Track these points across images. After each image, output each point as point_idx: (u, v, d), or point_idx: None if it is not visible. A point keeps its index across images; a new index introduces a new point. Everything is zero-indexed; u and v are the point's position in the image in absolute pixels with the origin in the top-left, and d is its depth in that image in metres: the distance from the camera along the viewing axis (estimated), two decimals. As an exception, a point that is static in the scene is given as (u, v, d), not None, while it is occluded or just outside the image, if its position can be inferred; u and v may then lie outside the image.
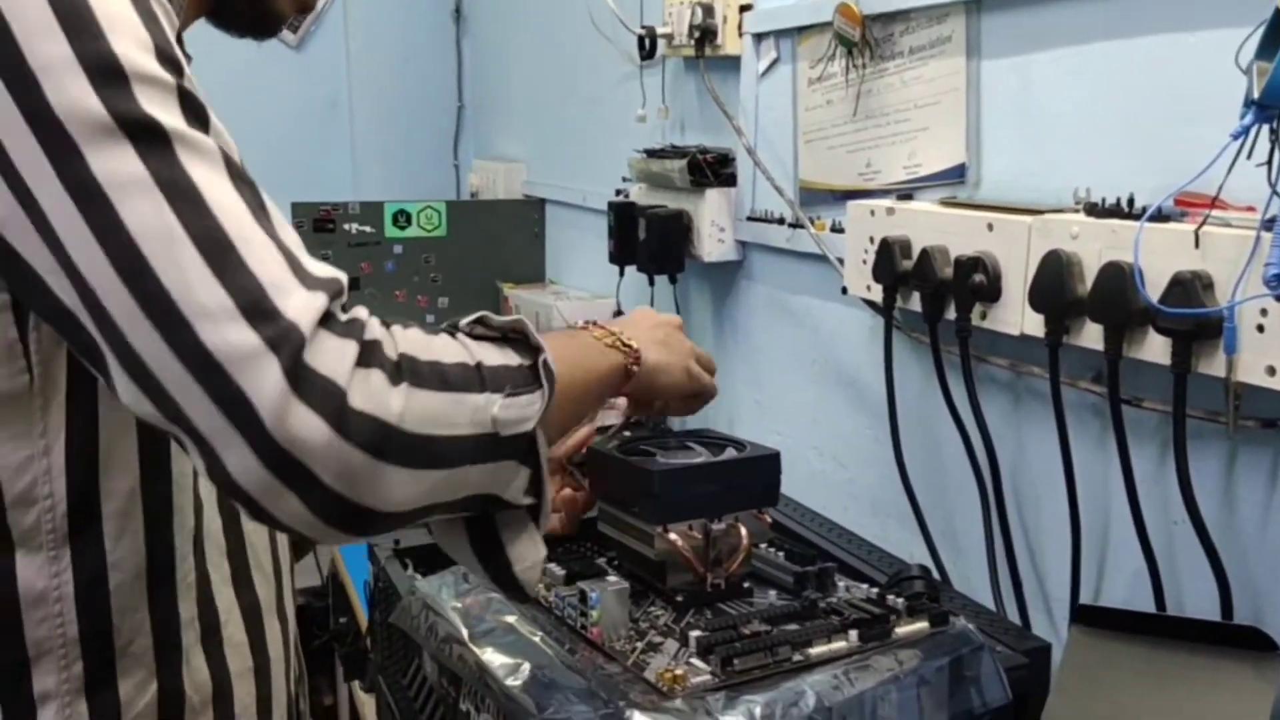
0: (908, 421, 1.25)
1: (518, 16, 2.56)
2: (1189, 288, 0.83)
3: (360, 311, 0.61)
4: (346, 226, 2.40)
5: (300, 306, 0.57)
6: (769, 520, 1.01)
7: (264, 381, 0.56)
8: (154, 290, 0.56)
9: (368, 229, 2.41)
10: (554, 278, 2.52)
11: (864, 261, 1.23)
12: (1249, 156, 0.78)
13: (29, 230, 0.57)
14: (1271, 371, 0.79)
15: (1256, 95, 0.76)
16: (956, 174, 1.19)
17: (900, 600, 0.93)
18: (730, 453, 0.99)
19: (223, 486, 0.58)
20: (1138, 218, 0.90)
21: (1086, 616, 0.92)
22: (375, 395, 0.58)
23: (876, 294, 1.21)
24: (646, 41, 1.74)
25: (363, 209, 2.41)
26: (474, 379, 0.63)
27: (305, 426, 0.56)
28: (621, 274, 1.85)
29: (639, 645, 0.88)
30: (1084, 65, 1.03)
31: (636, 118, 1.85)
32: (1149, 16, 0.96)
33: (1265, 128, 0.77)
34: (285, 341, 0.56)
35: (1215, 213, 0.85)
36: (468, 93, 2.95)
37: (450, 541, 0.73)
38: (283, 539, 0.86)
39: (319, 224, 2.38)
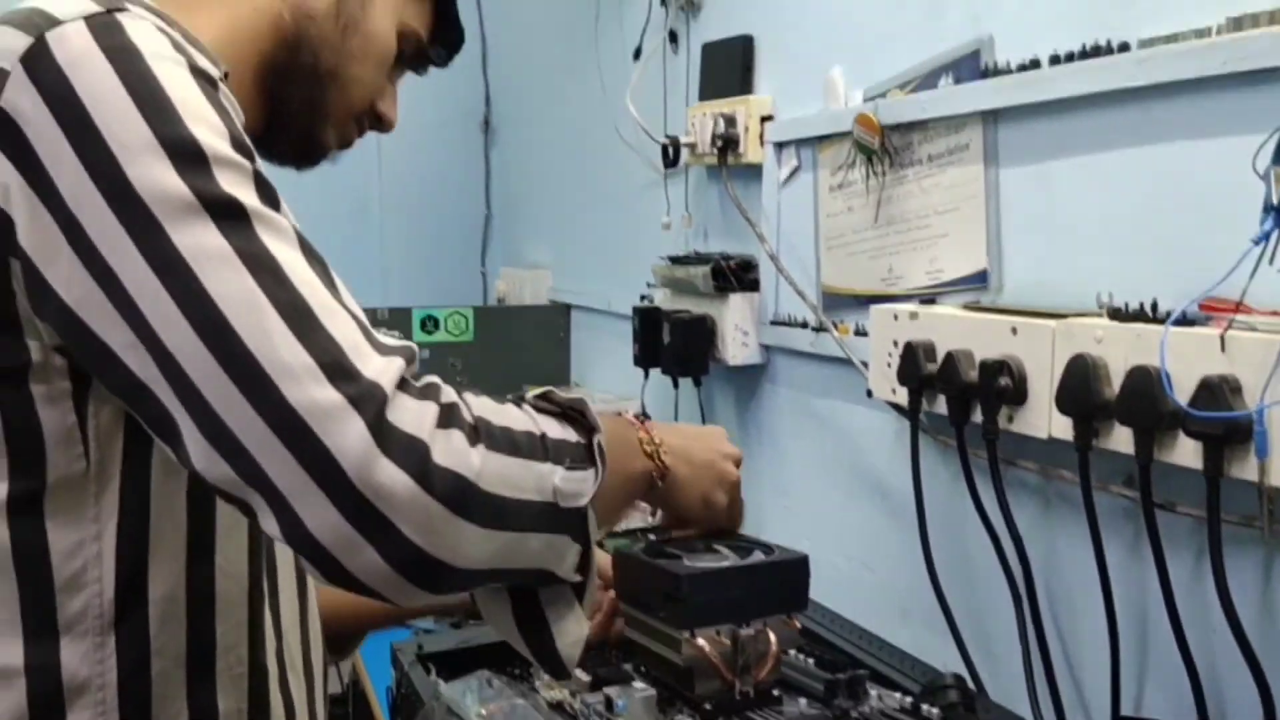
0: (936, 525, 1.24)
1: (545, 127, 2.63)
2: (1217, 391, 0.83)
3: (434, 378, 0.63)
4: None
5: (380, 368, 0.60)
6: (798, 625, 0.99)
7: (348, 436, 0.58)
8: (238, 351, 0.58)
9: (396, 334, 2.44)
10: (579, 381, 2.53)
11: (888, 365, 1.23)
12: (1271, 262, 0.79)
13: (106, 308, 0.60)
14: (1306, 475, 0.79)
15: (1276, 200, 0.77)
16: (978, 279, 1.20)
17: (935, 711, 0.90)
18: (758, 556, 0.98)
19: (299, 545, 0.59)
20: (1162, 322, 0.90)
21: (1127, 729, 0.90)
22: (456, 452, 0.60)
23: (901, 397, 1.21)
24: (670, 151, 1.79)
25: (391, 315, 2.45)
26: (539, 448, 0.66)
27: (389, 478, 0.58)
28: (646, 377, 1.86)
29: None
30: (1102, 172, 1.05)
31: (661, 225, 1.89)
32: (1165, 125, 0.98)
33: (1286, 233, 0.78)
34: (368, 400, 0.59)
35: (1240, 317, 0.85)
36: (495, 201, 3.02)
37: (494, 611, 0.74)
38: (319, 641, 0.86)
39: (348, 329, 2.41)
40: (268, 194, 0.63)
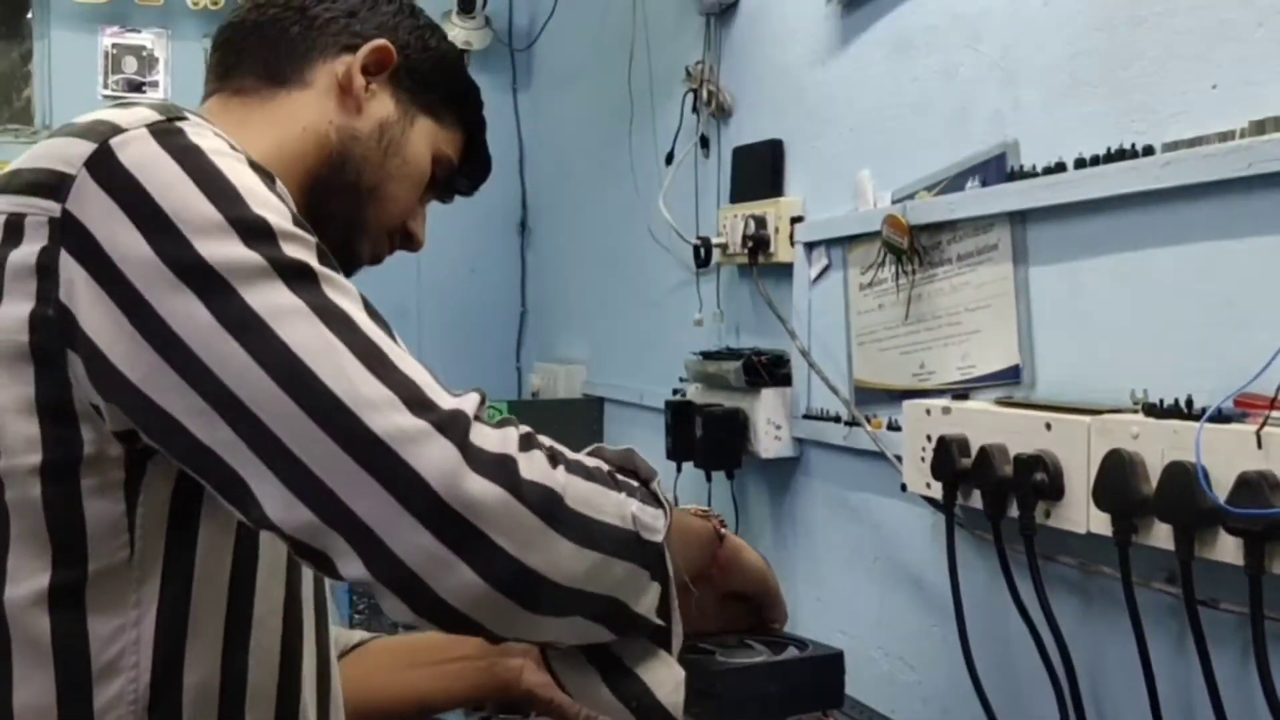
0: (975, 621, 1.23)
1: (580, 228, 2.70)
2: (1256, 488, 0.83)
3: (507, 415, 0.67)
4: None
5: (457, 402, 0.63)
6: None
7: (434, 456, 0.60)
8: (319, 391, 0.60)
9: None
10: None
11: (922, 459, 1.24)
12: (1302, 358, 0.80)
13: (171, 378, 0.62)
14: (1348, 572, 0.79)
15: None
16: (1011, 375, 1.22)
17: None
18: (792, 652, 0.97)
19: (387, 578, 0.60)
20: (1197, 418, 0.91)
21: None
22: (542, 469, 0.64)
23: (936, 491, 1.22)
24: (702, 251, 1.83)
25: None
26: (610, 480, 0.68)
27: (482, 490, 0.60)
28: (679, 470, 1.87)
29: None
30: (1133, 271, 1.07)
31: (694, 321, 1.92)
32: (1192, 225, 1.00)
33: (1316, 330, 0.80)
34: (452, 425, 0.61)
35: (1275, 413, 0.86)
36: (530, 298, 3.08)
37: (582, 684, 0.74)
38: None
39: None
40: (331, 262, 0.67)
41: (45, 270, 0.64)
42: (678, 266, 2.04)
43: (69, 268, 0.63)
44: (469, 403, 0.64)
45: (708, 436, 1.73)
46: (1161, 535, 0.94)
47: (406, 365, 0.64)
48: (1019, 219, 1.20)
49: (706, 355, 1.80)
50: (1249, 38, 0.95)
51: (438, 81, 0.92)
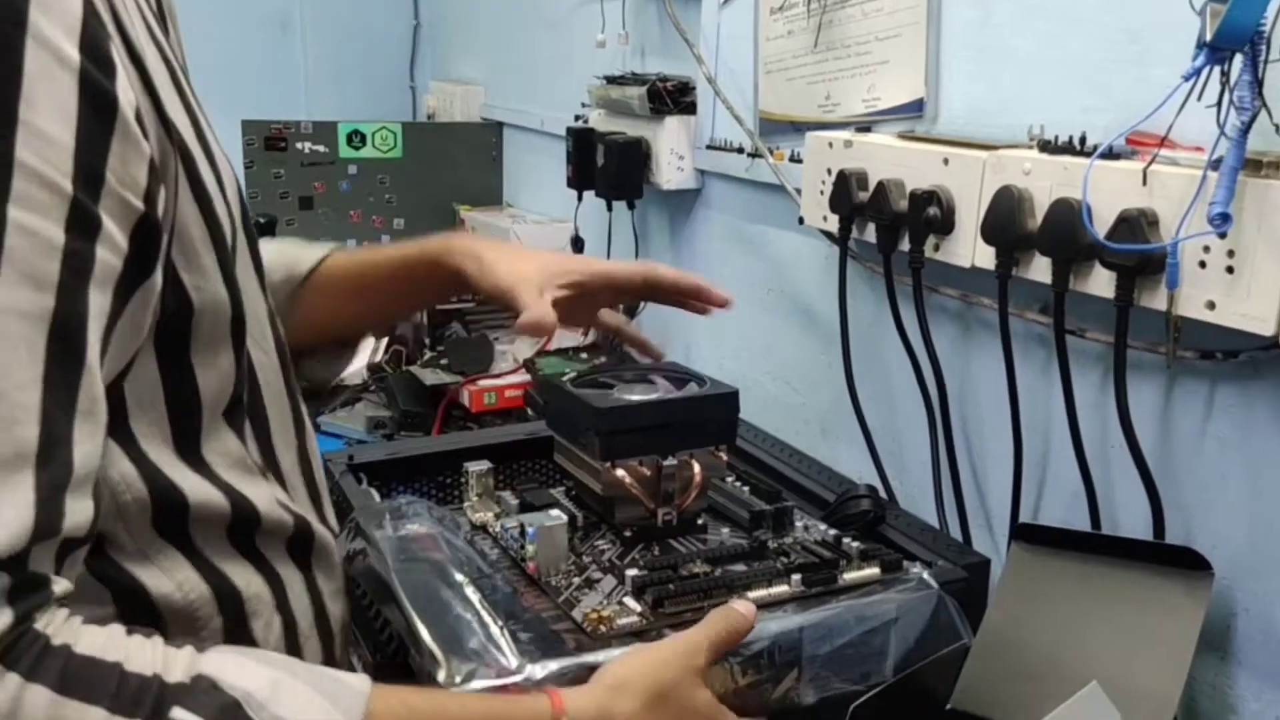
0: (859, 348, 1.29)
1: (475, -67, 2.51)
2: (1135, 225, 0.87)
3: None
4: (299, 146, 2.37)
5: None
6: (724, 458, 1.01)
7: None
8: None
9: (321, 149, 2.39)
10: (511, 200, 2.51)
11: (821, 192, 1.25)
12: (1199, 98, 0.81)
13: None
14: (1211, 306, 0.83)
15: (1209, 37, 0.79)
16: (915, 108, 1.21)
17: (854, 545, 0.94)
18: (692, 388, 1.00)
19: None
20: (1090, 155, 0.93)
21: (1026, 534, 0.97)
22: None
23: (833, 224, 1.24)
24: (608, -36, 1.73)
25: (316, 128, 2.38)
26: None
27: None
28: (580, 199, 1.85)
29: (577, 581, 0.88)
30: (1043, 2, 1.05)
31: (596, 43, 1.84)
32: (1106, -44, 0.98)
33: (1216, 70, 0.80)
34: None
35: (1164, 152, 0.88)
36: (424, 11, 2.90)
37: None
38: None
39: (270, 142, 2.35)
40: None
41: None
42: (582, -18, 1.93)
43: None
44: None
45: (609, 166, 1.70)
46: (1041, 269, 0.97)
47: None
48: (937, -58, 1.16)
49: (610, 80, 1.75)
50: None
51: None
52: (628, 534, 0.96)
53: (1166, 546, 0.91)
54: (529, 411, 1.71)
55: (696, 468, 0.97)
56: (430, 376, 1.85)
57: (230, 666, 0.54)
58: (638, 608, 0.84)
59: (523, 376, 1.90)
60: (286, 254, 0.96)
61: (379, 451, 1.19)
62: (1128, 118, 0.89)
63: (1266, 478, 0.89)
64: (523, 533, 0.91)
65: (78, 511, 0.51)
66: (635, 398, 0.98)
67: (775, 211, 1.47)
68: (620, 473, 0.95)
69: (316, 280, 0.96)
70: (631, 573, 0.87)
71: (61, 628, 0.49)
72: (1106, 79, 0.99)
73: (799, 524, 1.02)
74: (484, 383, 1.91)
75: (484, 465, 1.07)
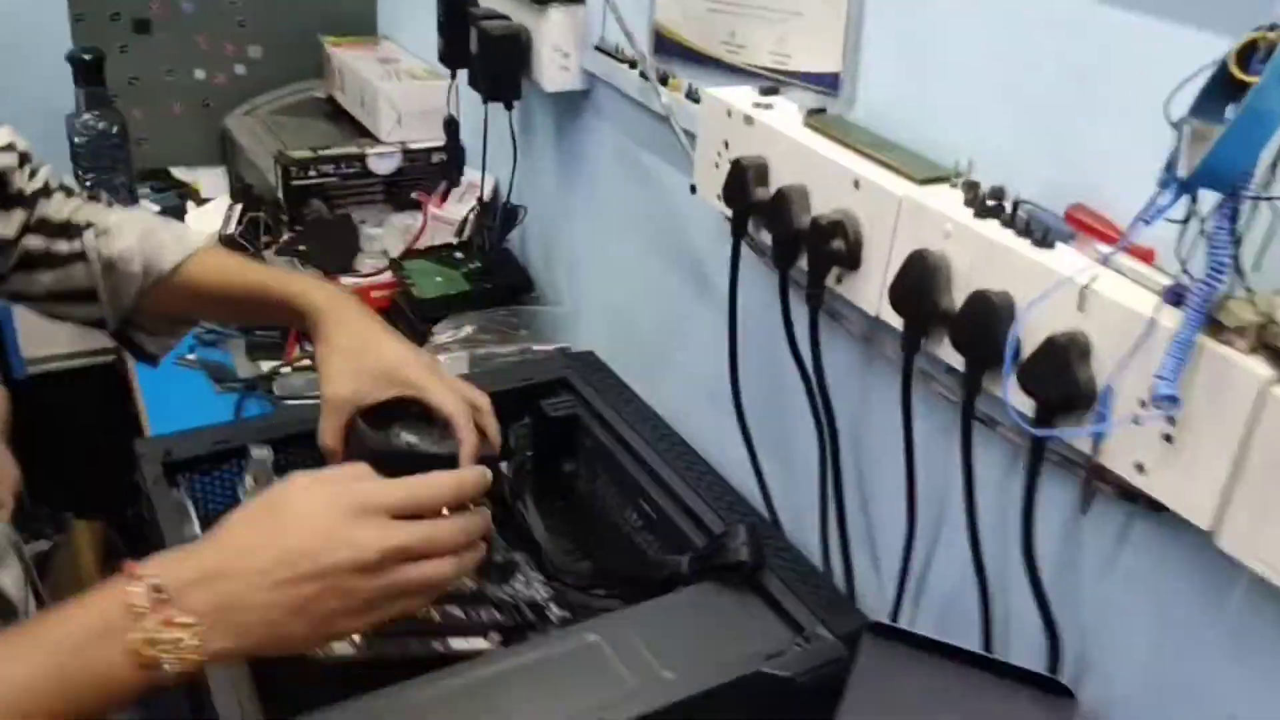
0: (749, 345, 1.14)
1: None
2: (1062, 355, 0.71)
3: None
4: (134, -45, 2.02)
5: None
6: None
7: None
8: None
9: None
10: (386, 33, 2.21)
11: (716, 166, 1.06)
12: (1149, 224, 0.65)
13: None
14: (1140, 469, 0.69)
15: (1183, 171, 0.62)
16: (829, 82, 1.01)
17: (557, 613, 0.98)
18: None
19: None
20: (1020, 231, 0.77)
21: (881, 630, 0.88)
22: None
23: (728, 209, 1.06)
24: None
25: (153, -55, 2.03)
26: None
27: None
28: (454, 77, 1.60)
29: None
30: (980, 5, 0.84)
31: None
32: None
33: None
34: None
35: (1104, 248, 0.72)
36: None
37: None
38: None
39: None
40: None
41: None
42: None
43: None
44: None
45: (485, 60, 1.46)
46: (953, 353, 0.83)
47: None
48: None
49: (486, -54, 1.47)
50: None
51: None
52: None
53: (1031, 673, 0.83)
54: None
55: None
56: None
57: None
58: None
59: (389, 276, 1.72)
60: (148, 242, 1.02)
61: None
62: (1066, 172, 0.76)
63: (1171, 621, 0.79)
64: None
65: None
66: (407, 440, 0.95)
67: (671, 149, 1.26)
68: None
69: (175, 281, 1.03)
70: None
71: None
72: (1046, 118, 0.80)
73: (519, 578, 1.03)
74: (347, 281, 1.73)
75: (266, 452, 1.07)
